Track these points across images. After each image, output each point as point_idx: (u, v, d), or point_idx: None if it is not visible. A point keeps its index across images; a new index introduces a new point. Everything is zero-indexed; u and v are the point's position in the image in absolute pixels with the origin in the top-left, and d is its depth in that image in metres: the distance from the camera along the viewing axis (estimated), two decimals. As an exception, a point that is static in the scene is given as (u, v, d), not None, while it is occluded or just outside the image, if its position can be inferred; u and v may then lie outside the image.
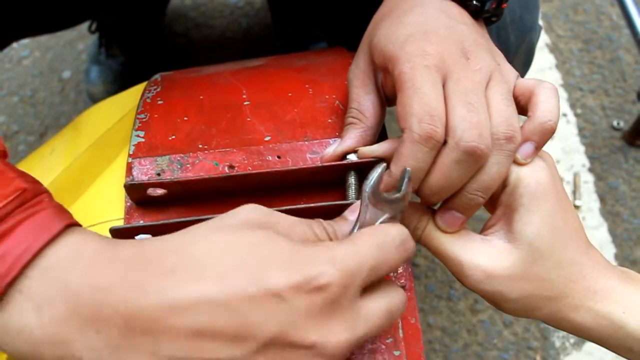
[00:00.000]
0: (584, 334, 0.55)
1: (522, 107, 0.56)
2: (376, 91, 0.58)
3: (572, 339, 1.31)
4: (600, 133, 1.58)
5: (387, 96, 0.58)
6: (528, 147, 0.54)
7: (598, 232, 1.43)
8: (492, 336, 1.31)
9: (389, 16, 0.58)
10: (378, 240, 0.43)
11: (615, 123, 1.58)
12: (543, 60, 1.69)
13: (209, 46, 1.72)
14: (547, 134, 0.54)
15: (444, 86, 0.52)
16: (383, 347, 0.52)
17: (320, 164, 0.56)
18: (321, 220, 0.47)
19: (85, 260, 0.41)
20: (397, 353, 0.52)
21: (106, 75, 1.56)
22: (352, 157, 0.56)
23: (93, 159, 0.70)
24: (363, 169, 0.55)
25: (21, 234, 0.40)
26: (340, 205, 0.51)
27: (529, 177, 0.53)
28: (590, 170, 1.52)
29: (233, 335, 0.38)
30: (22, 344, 0.40)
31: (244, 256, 0.40)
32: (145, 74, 1.54)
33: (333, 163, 0.56)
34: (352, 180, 0.55)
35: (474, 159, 0.50)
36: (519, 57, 0.82)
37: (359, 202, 0.49)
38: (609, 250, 1.40)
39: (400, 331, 0.53)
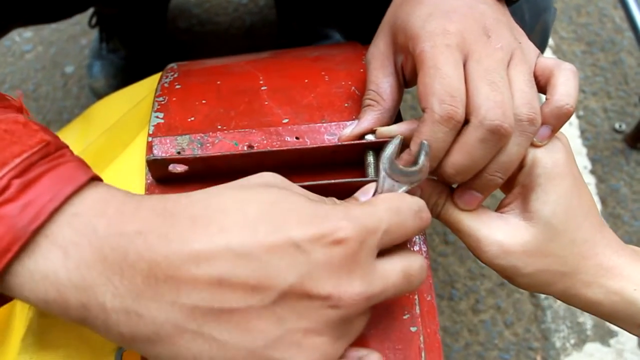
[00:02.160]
0: (595, 310, 0.56)
1: (541, 87, 0.56)
2: (394, 73, 0.59)
3: (573, 340, 1.31)
4: (602, 135, 1.58)
5: (406, 78, 0.59)
6: (545, 131, 0.54)
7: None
8: (493, 336, 1.31)
9: (407, 1, 0.58)
10: (395, 204, 0.44)
11: (617, 125, 1.59)
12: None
13: (212, 43, 1.72)
14: (565, 117, 0.54)
15: (465, 65, 0.53)
16: (399, 322, 0.52)
17: (339, 143, 0.57)
18: (334, 199, 0.48)
19: (112, 209, 0.41)
20: (413, 329, 0.52)
21: (108, 70, 1.56)
22: (370, 137, 0.56)
23: (108, 144, 0.70)
24: (381, 148, 0.55)
25: (47, 184, 0.41)
26: (359, 182, 0.52)
27: (546, 157, 0.54)
28: (592, 172, 1.53)
29: (253, 285, 0.39)
30: (47, 288, 0.40)
31: (266, 209, 0.41)
32: (147, 68, 1.54)
33: (352, 142, 0.56)
34: (370, 159, 0.55)
35: (498, 137, 0.51)
36: (534, 37, 0.82)
37: (372, 184, 0.50)
38: (610, 252, 1.41)
39: (417, 307, 0.53)
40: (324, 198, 0.47)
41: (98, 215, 0.41)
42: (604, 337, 1.31)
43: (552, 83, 0.55)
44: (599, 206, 1.47)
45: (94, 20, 1.50)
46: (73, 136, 0.82)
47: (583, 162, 1.54)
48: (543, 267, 0.54)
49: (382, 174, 0.48)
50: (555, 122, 0.54)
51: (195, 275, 0.39)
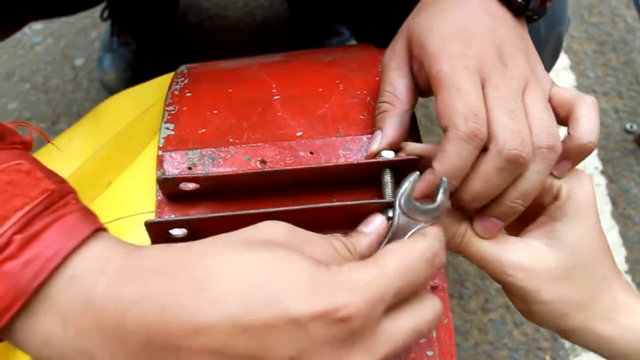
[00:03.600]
0: (607, 348, 0.55)
1: (562, 119, 0.56)
2: (410, 76, 0.58)
3: (581, 341, 1.31)
4: (613, 136, 1.58)
5: (420, 86, 0.58)
6: (566, 165, 0.55)
7: (609, 235, 1.43)
8: (502, 335, 1.31)
9: (432, 7, 0.58)
10: (405, 260, 0.43)
11: (628, 126, 1.58)
12: (557, 61, 1.68)
13: (222, 37, 1.72)
14: (587, 154, 0.55)
15: (482, 90, 0.53)
16: (416, 347, 0.52)
17: (355, 162, 0.56)
18: (339, 235, 0.46)
19: (112, 269, 0.41)
20: (430, 353, 0.52)
21: (119, 64, 1.55)
22: (387, 154, 0.56)
23: (117, 151, 0.70)
24: (398, 166, 0.55)
25: (49, 238, 0.40)
26: (375, 205, 0.51)
27: (578, 190, 0.55)
28: (603, 172, 1.52)
29: (250, 357, 0.38)
30: (48, 352, 0.40)
31: (268, 277, 0.39)
32: (158, 62, 1.55)
33: (368, 161, 0.55)
34: (387, 178, 0.54)
35: (516, 167, 0.51)
36: (549, 48, 0.82)
37: (375, 215, 0.50)
38: (619, 253, 1.41)
39: (434, 331, 0.52)
40: (332, 239, 0.45)
41: (96, 280, 0.40)
42: (613, 338, 1.30)
43: (574, 117, 0.55)
44: (609, 207, 1.47)
45: (105, 13, 1.50)
46: (83, 134, 0.82)
47: (594, 162, 1.53)
48: (563, 296, 0.54)
49: (398, 211, 0.47)
50: (576, 157, 0.55)
51: (193, 345, 0.38)
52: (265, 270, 0.40)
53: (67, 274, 0.40)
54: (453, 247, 0.56)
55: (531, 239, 0.55)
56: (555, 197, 0.55)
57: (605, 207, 1.47)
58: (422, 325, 0.43)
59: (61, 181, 0.44)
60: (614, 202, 1.48)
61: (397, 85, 0.58)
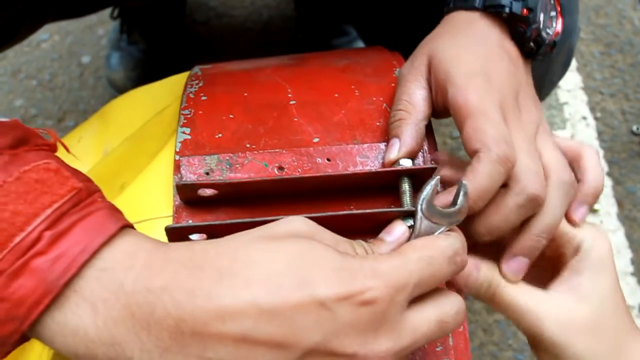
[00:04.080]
0: None
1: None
2: (428, 90, 0.59)
3: (587, 343, 1.31)
4: (619, 137, 1.58)
5: (435, 108, 0.60)
6: (585, 210, 0.58)
7: (615, 237, 1.43)
8: (507, 336, 1.31)
9: (455, 35, 0.61)
10: (427, 253, 0.44)
11: (634, 128, 1.58)
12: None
13: (229, 36, 1.72)
14: (598, 197, 0.59)
15: None
16: (433, 354, 0.52)
17: (374, 169, 0.56)
18: (361, 241, 0.47)
19: (140, 262, 0.41)
20: None
21: (127, 62, 1.55)
22: (404, 163, 0.56)
23: (131, 153, 0.70)
24: (416, 175, 0.55)
25: (78, 235, 0.41)
26: (394, 213, 0.51)
27: (598, 244, 0.56)
28: (609, 174, 1.52)
29: (278, 342, 0.39)
30: (77, 344, 0.40)
31: (293, 264, 0.40)
32: (166, 61, 1.55)
33: (387, 169, 0.55)
34: (406, 186, 0.54)
35: (534, 206, 0.54)
36: (560, 59, 0.83)
37: (397, 223, 0.50)
38: (625, 255, 1.41)
39: (450, 339, 0.53)
40: (354, 243, 0.46)
41: (126, 270, 0.41)
42: (617, 339, 1.31)
43: (584, 165, 0.59)
44: (615, 209, 1.47)
45: (115, 12, 1.50)
46: (92, 134, 0.82)
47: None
48: (593, 350, 0.55)
49: (419, 215, 0.47)
50: (591, 201, 0.58)
51: (220, 331, 0.39)
52: (290, 256, 0.41)
53: (97, 266, 0.41)
54: (485, 298, 0.57)
55: (558, 293, 0.56)
56: (577, 250, 0.56)
57: (611, 209, 1.47)
58: (446, 317, 0.44)
59: (87, 180, 0.45)
60: (619, 204, 1.48)
61: (414, 95, 0.59)
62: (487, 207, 0.54)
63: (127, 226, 0.44)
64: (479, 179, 0.52)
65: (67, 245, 0.40)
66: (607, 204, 1.48)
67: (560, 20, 0.65)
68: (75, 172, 0.45)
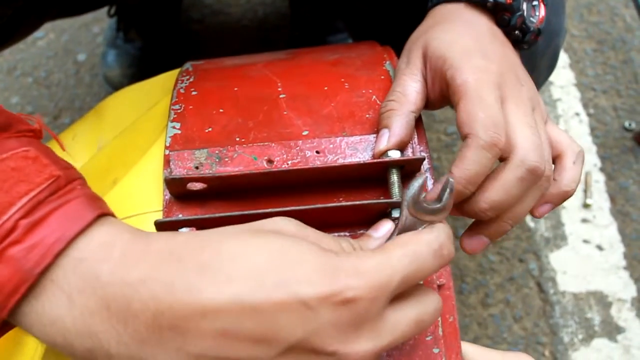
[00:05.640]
0: None
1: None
2: (423, 84, 0.60)
3: (581, 335, 1.31)
4: (612, 133, 1.58)
5: (429, 98, 0.60)
6: (547, 208, 0.59)
7: (608, 231, 1.44)
8: (502, 330, 1.32)
9: (446, 24, 0.61)
10: (411, 250, 0.43)
11: (626, 124, 1.59)
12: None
13: (224, 33, 1.72)
14: (565, 200, 0.59)
15: (502, 105, 0.55)
16: (423, 344, 0.52)
17: (362, 161, 0.56)
18: (347, 237, 0.47)
19: (117, 253, 0.41)
20: (436, 350, 0.52)
21: (123, 60, 1.55)
22: (393, 154, 0.56)
23: (123, 148, 0.70)
24: (405, 166, 0.56)
25: (53, 223, 0.41)
26: (382, 204, 0.52)
27: None
28: (602, 169, 1.53)
29: (258, 338, 0.39)
30: (54, 334, 0.40)
31: (276, 261, 0.40)
32: (161, 59, 1.56)
33: (375, 160, 0.55)
34: (394, 178, 0.54)
35: (534, 178, 0.54)
36: (545, 60, 0.83)
37: (385, 221, 0.51)
38: (618, 250, 1.41)
39: (440, 329, 0.53)
40: (339, 240, 0.46)
41: (102, 261, 0.41)
42: (612, 333, 1.31)
43: (562, 164, 0.59)
44: (607, 204, 1.48)
45: (113, 10, 1.50)
46: (86, 131, 0.82)
47: (593, 159, 1.54)
48: None
49: (405, 211, 0.47)
50: (557, 202, 0.59)
51: (201, 326, 0.39)
52: (273, 253, 0.40)
53: (74, 257, 0.41)
54: None
55: None
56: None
57: (604, 203, 1.48)
58: (425, 316, 0.44)
59: (68, 167, 0.45)
60: (612, 199, 1.48)
61: (407, 87, 0.59)
62: (488, 181, 0.54)
63: (106, 214, 0.44)
64: (465, 165, 0.52)
65: (43, 234, 0.40)
66: (600, 199, 1.49)
67: (542, 7, 0.65)
68: (56, 160, 0.45)
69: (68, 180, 0.43)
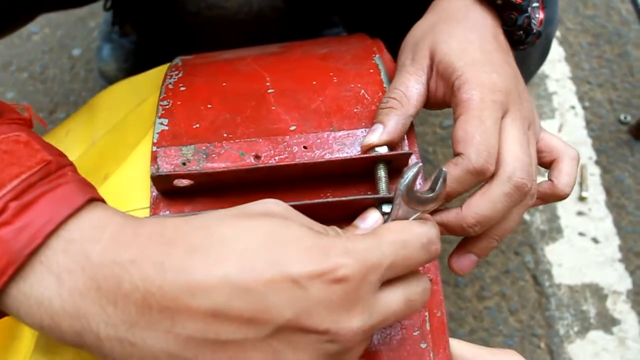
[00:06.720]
0: None
1: (544, 164, 0.63)
2: (426, 87, 0.60)
3: (576, 327, 1.32)
4: (607, 126, 1.58)
5: (429, 98, 0.61)
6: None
7: (603, 224, 1.44)
8: (497, 323, 1.32)
9: (448, 26, 0.62)
10: (402, 237, 0.43)
11: (622, 117, 1.59)
12: (553, 52, 1.68)
13: (220, 27, 1.72)
14: (558, 200, 0.61)
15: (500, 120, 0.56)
16: (410, 339, 0.52)
17: (349, 157, 0.56)
18: (336, 228, 0.47)
19: (108, 235, 0.41)
20: (423, 345, 0.52)
21: (118, 54, 1.55)
22: (380, 150, 0.56)
23: (113, 144, 0.69)
24: (392, 162, 0.56)
25: (44, 206, 0.41)
26: (369, 200, 0.52)
27: None
28: (597, 162, 1.53)
29: (249, 317, 0.38)
30: (41, 315, 0.40)
31: (266, 241, 0.40)
32: (157, 53, 1.55)
33: (362, 155, 0.55)
34: (381, 173, 0.55)
35: (521, 195, 0.55)
36: (537, 50, 0.83)
37: (371, 211, 0.51)
38: (613, 242, 1.42)
39: (427, 324, 0.53)
40: (327, 228, 0.46)
41: (93, 242, 0.41)
42: (607, 325, 1.32)
43: (559, 168, 0.61)
44: (603, 196, 1.48)
45: (108, 4, 1.49)
46: (80, 126, 0.82)
47: (588, 153, 1.54)
48: None
49: (398, 200, 0.47)
50: (550, 201, 0.61)
51: (190, 306, 0.38)
52: (264, 234, 0.40)
53: (64, 238, 0.40)
54: None
55: None
56: None
57: (599, 196, 1.48)
58: (414, 296, 0.45)
59: (59, 154, 0.45)
60: (608, 191, 1.48)
61: (411, 88, 0.59)
62: (475, 195, 0.55)
63: (98, 200, 0.44)
64: (449, 181, 0.54)
65: (33, 216, 0.40)
66: (596, 192, 1.49)
67: (542, 10, 0.65)
68: (47, 146, 0.45)
69: (59, 165, 0.44)
